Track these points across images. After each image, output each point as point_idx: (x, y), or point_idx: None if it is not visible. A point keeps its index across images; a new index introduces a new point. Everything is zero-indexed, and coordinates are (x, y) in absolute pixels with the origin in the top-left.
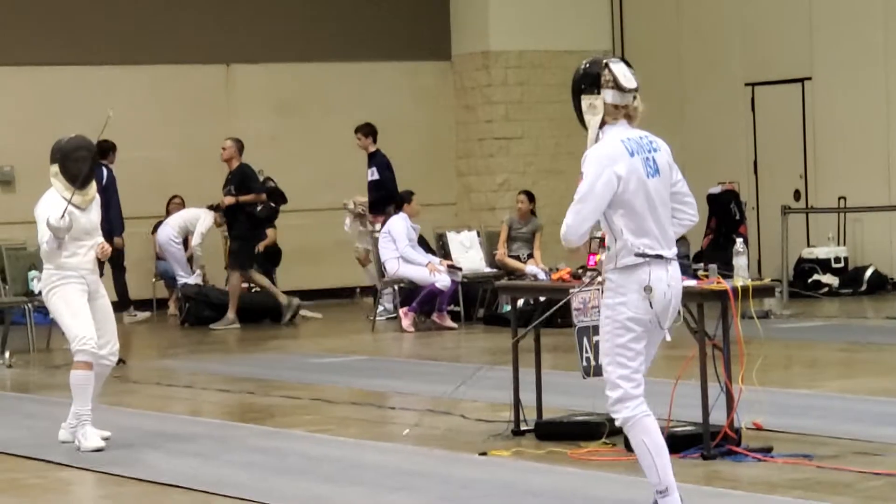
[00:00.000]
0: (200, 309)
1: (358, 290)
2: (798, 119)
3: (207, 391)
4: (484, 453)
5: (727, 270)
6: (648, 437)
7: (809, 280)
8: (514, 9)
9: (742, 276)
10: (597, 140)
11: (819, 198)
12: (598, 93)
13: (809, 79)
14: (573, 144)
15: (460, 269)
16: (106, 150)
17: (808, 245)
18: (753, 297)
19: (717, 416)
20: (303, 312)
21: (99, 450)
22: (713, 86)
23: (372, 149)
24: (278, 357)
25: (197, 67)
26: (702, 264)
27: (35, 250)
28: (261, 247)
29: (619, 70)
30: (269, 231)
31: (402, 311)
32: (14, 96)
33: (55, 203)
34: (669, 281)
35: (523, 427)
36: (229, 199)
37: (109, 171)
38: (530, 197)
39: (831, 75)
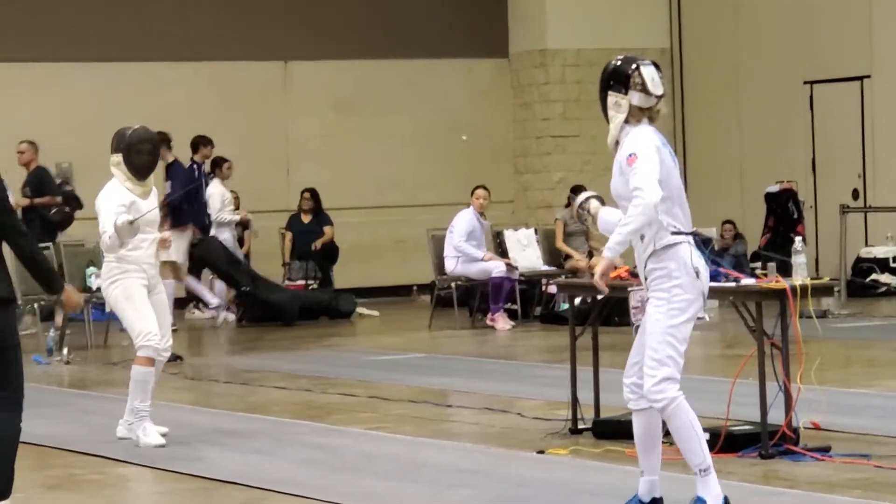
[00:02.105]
0: (257, 308)
1: (415, 287)
2: (857, 117)
3: (265, 388)
4: (541, 451)
5: (785, 266)
6: (692, 417)
7: (867, 279)
8: (571, 6)
9: (801, 275)
10: (617, 140)
11: (877, 197)
12: (626, 93)
13: (868, 77)
14: None
15: (517, 269)
16: (196, 144)
17: (867, 244)
18: (812, 296)
19: (776, 416)
20: (360, 310)
21: (159, 446)
22: (771, 84)
23: (170, 158)
24: (335, 354)
25: (255, 64)
26: (760, 262)
27: (93, 246)
28: (318, 244)
29: (649, 74)
30: (327, 229)
31: (489, 318)
32: (73, 93)
33: (117, 195)
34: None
35: (581, 425)
36: (24, 202)
37: (199, 166)
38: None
39: (891, 73)
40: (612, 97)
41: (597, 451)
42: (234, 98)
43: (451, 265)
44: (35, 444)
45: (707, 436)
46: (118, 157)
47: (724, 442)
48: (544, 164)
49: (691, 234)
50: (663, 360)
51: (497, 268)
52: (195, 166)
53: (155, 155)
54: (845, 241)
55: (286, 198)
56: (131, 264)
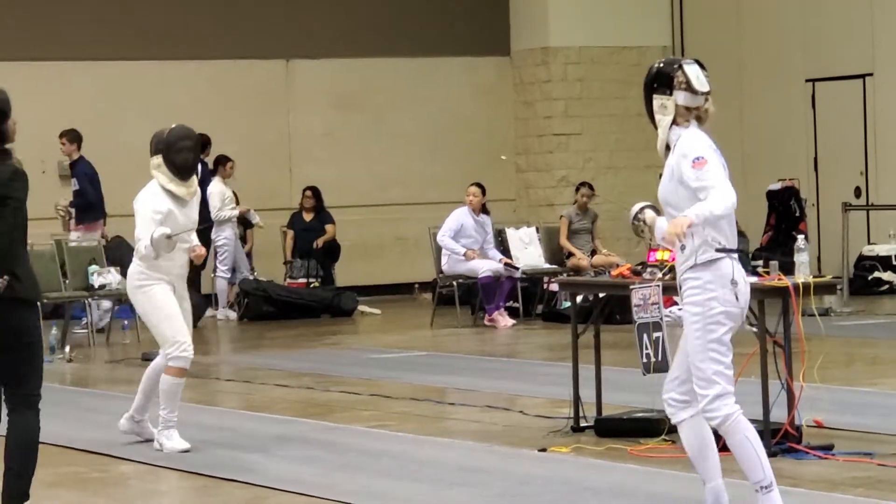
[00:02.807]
0: (259, 304)
1: (417, 285)
2: (859, 115)
3: (266, 386)
4: (543, 450)
5: (787, 261)
6: (750, 433)
7: (870, 277)
8: (573, 4)
9: (803, 273)
10: (668, 142)
11: (880, 195)
12: (671, 94)
13: (871, 75)
14: (632, 140)
15: (517, 268)
16: (204, 143)
17: (869, 242)
18: (814, 294)
19: (778, 414)
20: (361, 308)
21: (185, 451)
22: (774, 82)
23: (75, 156)
24: (337, 352)
25: (256, 63)
26: (761, 261)
27: (95, 245)
28: (319, 242)
29: (693, 72)
30: (329, 227)
31: (486, 318)
32: (74, 92)
33: (155, 201)
34: (745, 276)
35: (583, 423)
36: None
37: (205, 164)
38: (591, 188)
39: (893, 71)
40: (658, 100)
41: (599, 449)
42: (236, 96)
43: (443, 262)
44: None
45: (764, 451)
46: (158, 159)
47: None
48: (546, 162)
49: (736, 250)
50: (711, 379)
51: (483, 268)
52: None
53: (196, 152)
54: (847, 238)
55: (288, 196)
56: (160, 273)
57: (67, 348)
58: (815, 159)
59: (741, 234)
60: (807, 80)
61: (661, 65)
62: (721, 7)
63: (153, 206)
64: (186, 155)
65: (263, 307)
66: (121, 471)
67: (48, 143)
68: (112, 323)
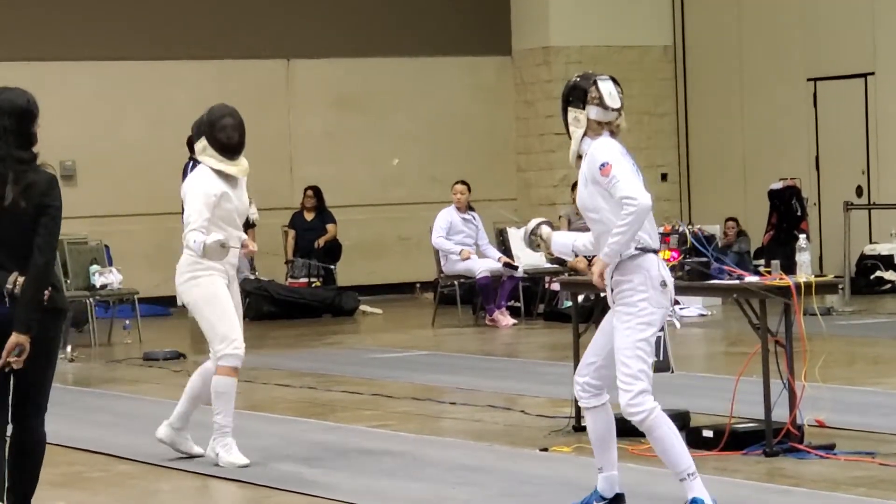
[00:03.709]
0: (260, 304)
1: (418, 285)
2: (861, 114)
3: (268, 386)
4: (545, 449)
5: (789, 266)
6: (670, 425)
7: (872, 276)
8: (574, 4)
9: (805, 272)
10: (579, 152)
11: (881, 194)
12: (584, 108)
13: (872, 74)
14: (633, 140)
15: (517, 268)
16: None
17: (871, 241)
18: (816, 293)
19: (780, 413)
20: (363, 308)
21: (243, 466)
22: (775, 81)
23: None
24: (339, 352)
25: (257, 62)
26: (763, 260)
27: (96, 244)
28: (321, 242)
29: (606, 88)
30: (330, 227)
31: (487, 319)
32: (76, 91)
33: (206, 183)
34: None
35: (584, 423)
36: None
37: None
38: None
39: (894, 70)
40: (572, 113)
41: None
42: (237, 96)
43: (442, 262)
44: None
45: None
46: (202, 142)
47: (729, 440)
48: (548, 162)
49: (653, 251)
50: (636, 375)
51: (481, 268)
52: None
53: (241, 129)
54: (849, 238)
55: (289, 195)
56: (213, 263)
57: (69, 348)
58: (817, 158)
59: (743, 233)
60: (808, 80)
61: (578, 79)
62: (722, 6)
63: (206, 189)
64: (230, 132)
65: (265, 307)
66: (122, 470)
67: (49, 143)
68: (113, 322)
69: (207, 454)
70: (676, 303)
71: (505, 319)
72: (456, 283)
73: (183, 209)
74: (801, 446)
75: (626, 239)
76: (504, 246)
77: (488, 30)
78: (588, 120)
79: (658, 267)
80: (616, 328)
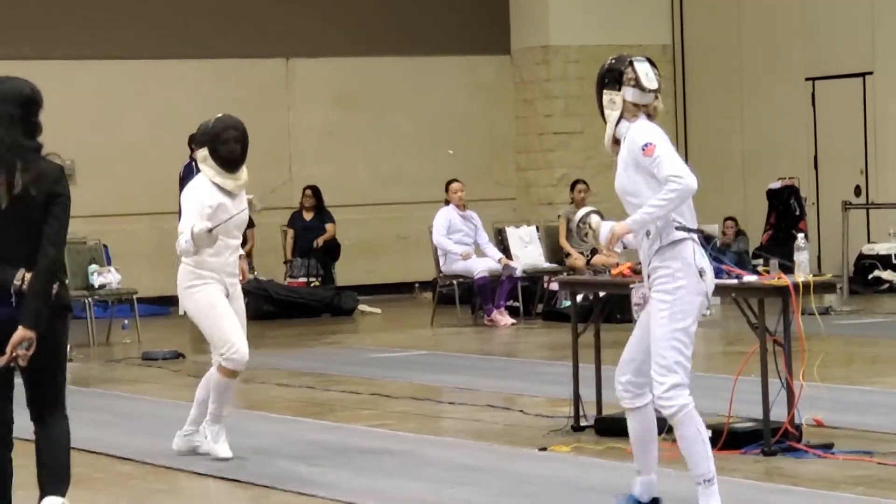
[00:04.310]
0: (259, 304)
1: (417, 284)
2: (859, 114)
3: (267, 385)
4: (544, 449)
5: (787, 264)
6: (702, 427)
7: (870, 276)
8: (573, 3)
9: (803, 272)
10: (615, 136)
11: (880, 193)
12: (619, 89)
13: (871, 73)
14: None
15: (515, 268)
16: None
17: (869, 241)
18: (814, 292)
19: (778, 413)
20: (362, 307)
21: (223, 459)
22: (773, 80)
23: None
24: (338, 352)
25: (257, 62)
26: (761, 259)
27: (94, 244)
28: (319, 241)
29: (642, 69)
30: (329, 226)
31: (486, 319)
32: (74, 90)
33: (203, 193)
34: (709, 263)
35: (583, 423)
36: None
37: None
38: (587, 185)
39: (894, 70)
40: (607, 95)
41: (599, 448)
42: (237, 95)
43: (441, 262)
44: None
45: (709, 433)
46: (204, 152)
47: (727, 439)
48: (547, 161)
49: (696, 231)
50: (671, 367)
51: (479, 268)
52: (193, 163)
53: (244, 143)
54: (847, 237)
55: (288, 195)
56: (210, 271)
57: (68, 348)
58: (815, 158)
59: (741, 232)
60: (807, 79)
61: (613, 61)
62: (721, 5)
63: (202, 200)
64: (233, 146)
65: (264, 306)
66: (121, 470)
67: (48, 142)
68: (112, 322)
69: (201, 433)
70: None
71: (504, 319)
72: (455, 282)
73: (180, 211)
74: (799, 445)
75: (660, 214)
76: (503, 245)
77: (487, 29)
78: (624, 102)
79: (696, 255)
80: (652, 317)
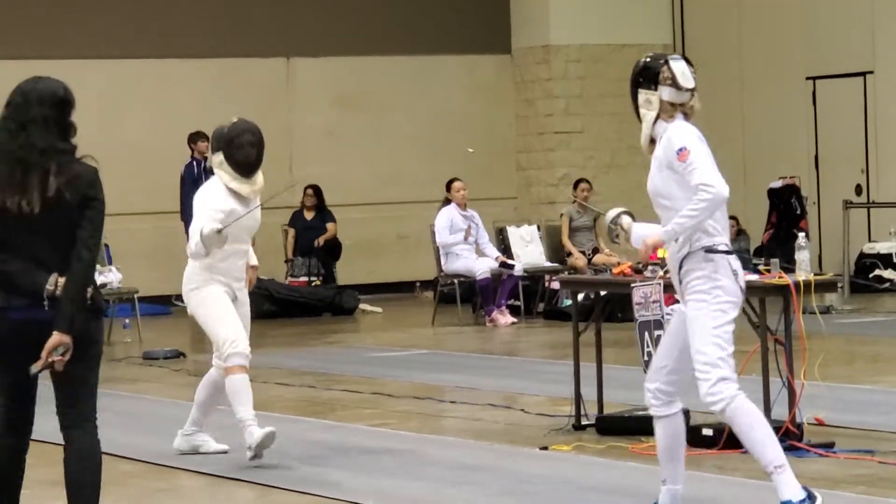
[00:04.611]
0: (260, 303)
1: (418, 284)
2: (860, 113)
3: (268, 385)
4: (545, 448)
5: (788, 265)
6: (756, 415)
7: (871, 275)
8: (574, 2)
9: (804, 271)
10: (651, 136)
11: (880, 192)
12: (656, 89)
13: (871, 72)
14: (634, 139)
15: (513, 266)
16: (193, 140)
17: (870, 240)
18: (815, 291)
19: (779, 412)
20: (363, 306)
21: (271, 432)
22: (774, 79)
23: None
24: (339, 351)
25: (258, 61)
26: (762, 259)
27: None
28: (321, 241)
29: (679, 68)
30: (330, 225)
31: (487, 320)
32: (76, 89)
33: (216, 198)
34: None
35: (584, 422)
36: None
37: (199, 162)
38: (590, 184)
39: (894, 69)
40: (643, 94)
41: (600, 447)
42: (238, 95)
43: (442, 261)
44: (39, 441)
45: (772, 431)
46: (219, 156)
47: (728, 438)
48: (548, 160)
49: (728, 252)
50: (714, 362)
51: (481, 269)
52: (194, 162)
53: (259, 147)
54: (848, 236)
55: (289, 194)
56: (217, 275)
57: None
58: (816, 157)
59: (742, 232)
60: (807, 78)
61: (648, 59)
62: (722, 4)
63: (215, 204)
64: (248, 150)
65: (265, 306)
66: (122, 469)
67: None
68: (113, 321)
69: (247, 455)
70: (676, 301)
71: (505, 318)
72: (456, 281)
73: (181, 210)
74: (800, 444)
75: (693, 224)
76: (504, 244)
77: (488, 28)
78: (661, 101)
79: (729, 259)
80: (689, 320)
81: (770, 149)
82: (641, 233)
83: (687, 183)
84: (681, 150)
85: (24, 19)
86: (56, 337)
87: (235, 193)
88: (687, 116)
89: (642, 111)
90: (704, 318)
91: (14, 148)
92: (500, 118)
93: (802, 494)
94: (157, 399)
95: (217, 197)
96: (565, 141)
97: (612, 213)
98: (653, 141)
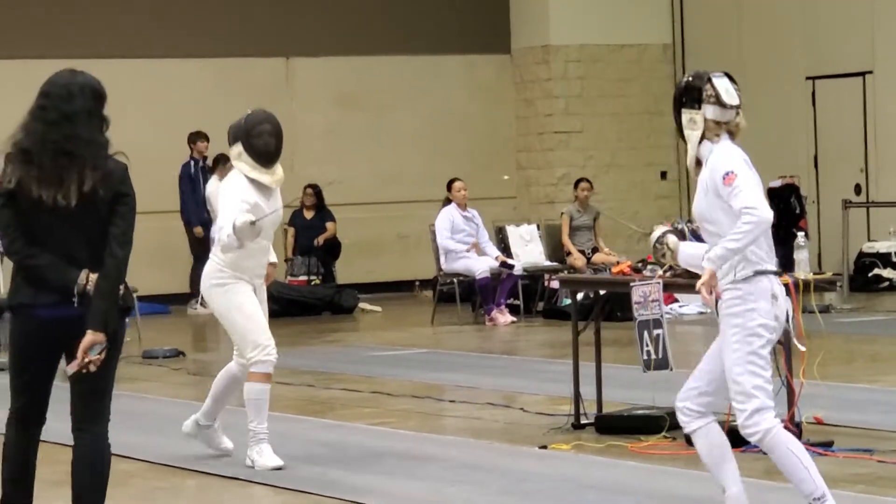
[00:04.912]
0: None
1: (417, 283)
2: (859, 113)
3: None
4: (544, 447)
5: (787, 264)
6: (795, 445)
7: (870, 274)
8: (574, 2)
9: (803, 270)
10: (697, 158)
11: (880, 192)
12: (699, 108)
13: (871, 72)
14: (633, 139)
15: (512, 266)
16: (192, 140)
17: (869, 239)
18: (815, 291)
19: (778, 411)
20: (362, 305)
21: (277, 468)
22: (774, 79)
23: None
24: (338, 350)
25: (257, 61)
26: None
27: None
28: (320, 240)
29: (722, 85)
30: (329, 225)
31: (487, 319)
32: None
33: (240, 190)
34: (784, 293)
35: (583, 421)
36: None
37: (197, 162)
38: (590, 184)
39: (894, 69)
40: (687, 114)
41: (599, 446)
42: (237, 94)
43: (442, 260)
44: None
45: (811, 460)
46: (238, 147)
47: (727, 437)
48: (547, 160)
49: (774, 273)
50: (749, 392)
51: (481, 269)
52: (192, 162)
53: (278, 137)
54: (848, 236)
55: (289, 193)
56: (241, 272)
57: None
58: (816, 157)
59: None
60: (807, 78)
61: (691, 78)
62: (721, 4)
63: (240, 196)
64: (267, 139)
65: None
66: (121, 468)
67: None
68: None
69: (246, 462)
70: (675, 300)
71: (504, 317)
72: (455, 280)
73: (181, 209)
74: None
75: (738, 248)
76: (504, 244)
77: (488, 28)
78: (705, 120)
79: (771, 282)
80: (724, 343)
81: (769, 148)
82: (690, 251)
83: (730, 207)
84: (727, 174)
85: (23, 19)
86: (90, 336)
87: (257, 184)
88: (732, 135)
89: (687, 132)
90: (738, 344)
91: (59, 139)
92: (499, 118)
93: None
94: (156, 398)
95: (242, 188)
96: (565, 141)
97: (657, 233)
98: (698, 162)
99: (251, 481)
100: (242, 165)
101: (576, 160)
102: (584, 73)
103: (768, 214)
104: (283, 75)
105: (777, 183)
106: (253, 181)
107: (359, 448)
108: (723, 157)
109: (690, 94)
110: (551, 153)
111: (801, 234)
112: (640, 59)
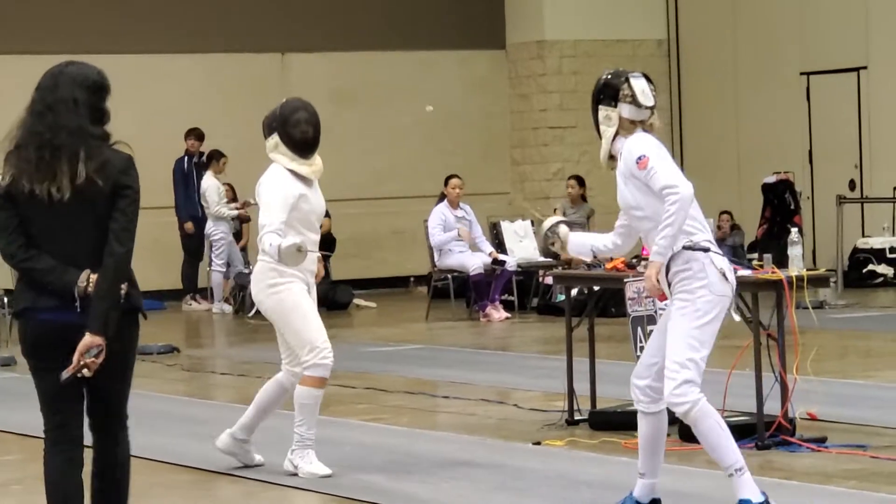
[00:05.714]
0: None
1: (412, 279)
2: (853, 108)
3: (262, 379)
4: (538, 443)
5: (781, 260)
6: (718, 418)
7: (864, 270)
8: None
9: (797, 266)
10: (611, 152)
11: (874, 187)
12: (615, 106)
13: (865, 68)
14: None
15: (504, 262)
16: (199, 137)
17: (863, 235)
18: (808, 286)
19: (772, 406)
20: (357, 301)
21: (325, 476)
22: (768, 75)
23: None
24: (332, 346)
25: (251, 56)
26: (756, 254)
27: None
28: None
29: (639, 86)
30: (324, 220)
31: (481, 316)
32: None
33: (284, 184)
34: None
35: (577, 417)
36: None
37: (190, 158)
38: (580, 181)
39: (887, 65)
40: (603, 111)
41: (593, 442)
42: (232, 90)
43: (435, 256)
44: (37, 437)
45: (731, 434)
46: (274, 138)
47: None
48: (542, 155)
49: (705, 249)
50: (684, 364)
51: (474, 265)
52: (185, 157)
53: (316, 125)
54: (842, 231)
55: None
56: (294, 270)
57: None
58: (810, 152)
59: (736, 226)
60: (801, 74)
61: (609, 76)
62: (716, 0)
63: (284, 190)
64: (305, 127)
65: None
66: None
67: None
68: None
69: (285, 466)
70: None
71: (498, 313)
72: (449, 276)
73: (175, 204)
74: (792, 439)
75: (675, 231)
76: (497, 240)
77: (482, 23)
78: (620, 118)
79: (714, 257)
80: (671, 317)
81: (764, 144)
82: (578, 241)
83: (651, 189)
84: (640, 158)
85: (15, 14)
86: (88, 338)
87: (297, 175)
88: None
89: (602, 127)
90: (684, 318)
91: (42, 129)
92: (494, 113)
93: (762, 497)
94: (150, 394)
95: (285, 182)
96: (559, 136)
97: (549, 222)
98: (612, 157)
99: (243, 477)
100: (280, 157)
101: (570, 155)
102: (579, 68)
103: (689, 189)
104: (278, 71)
105: (771, 179)
106: (292, 172)
107: (352, 444)
108: (634, 144)
109: (608, 92)
110: (546, 148)
111: (795, 229)
112: (634, 54)
